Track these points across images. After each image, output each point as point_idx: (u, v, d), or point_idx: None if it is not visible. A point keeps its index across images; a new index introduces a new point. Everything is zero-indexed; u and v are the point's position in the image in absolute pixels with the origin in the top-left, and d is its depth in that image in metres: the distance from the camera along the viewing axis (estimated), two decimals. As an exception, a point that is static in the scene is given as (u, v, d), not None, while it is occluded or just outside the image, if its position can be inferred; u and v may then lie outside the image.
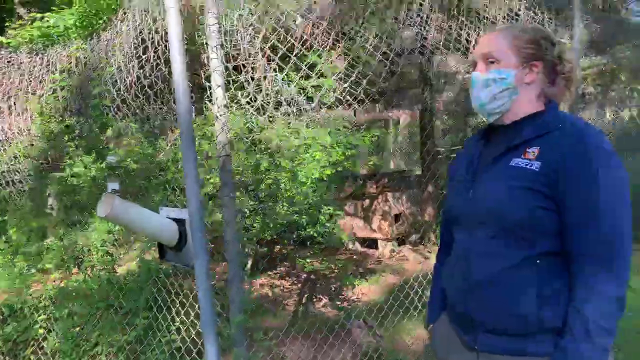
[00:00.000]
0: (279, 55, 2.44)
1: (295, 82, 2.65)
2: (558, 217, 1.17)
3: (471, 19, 3.32)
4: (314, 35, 2.54)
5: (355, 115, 8.43)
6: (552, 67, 1.30)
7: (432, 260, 5.16)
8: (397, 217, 6.42)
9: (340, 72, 3.24)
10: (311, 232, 3.33)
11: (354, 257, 6.17)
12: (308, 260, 4.26)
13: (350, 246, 6.60)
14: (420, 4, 3.05)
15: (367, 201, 6.37)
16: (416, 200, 6.52)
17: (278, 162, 3.31)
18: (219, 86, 2.32)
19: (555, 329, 1.17)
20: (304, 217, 3.21)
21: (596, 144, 1.17)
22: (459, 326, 1.34)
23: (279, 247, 4.60)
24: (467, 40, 3.34)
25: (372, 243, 6.49)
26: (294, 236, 3.44)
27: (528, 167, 1.19)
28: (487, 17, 3.34)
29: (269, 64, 2.38)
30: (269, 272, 5.33)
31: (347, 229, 6.47)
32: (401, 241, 6.47)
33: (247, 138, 3.09)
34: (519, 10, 3.46)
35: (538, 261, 1.18)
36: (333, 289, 4.80)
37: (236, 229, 2.33)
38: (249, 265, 4.96)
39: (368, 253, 6.33)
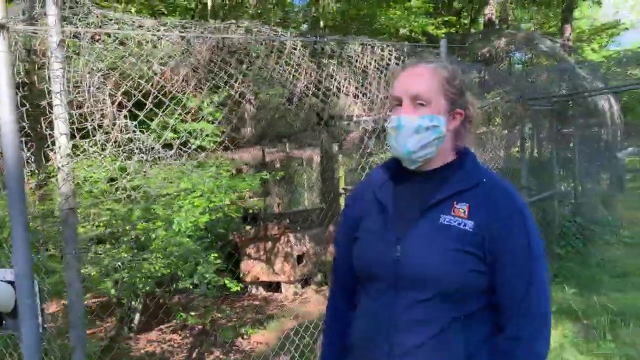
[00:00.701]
0: (132, 102, 2.32)
1: (159, 128, 2.54)
2: (488, 278, 1.15)
3: (343, 68, 3.44)
4: (174, 82, 2.47)
5: (263, 155, 8.44)
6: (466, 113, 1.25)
7: None
8: (300, 258, 6.37)
9: (218, 116, 3.18)
10: (187, 285, 3.14)
11: (256, 303, 5.99)
12: (192, 313, 4.01)
13: (254, 291, 6.41)
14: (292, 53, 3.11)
15: (269, 243, 6.26)
16: (319, 240, 6.53)
17: (152, 210, 3.14)
18: (62, 134, 2.16)
19: None
20: (179, 268, 3.02)
21: (521, 202, 1.19)
22: None
23: (168, 299, 4.31)
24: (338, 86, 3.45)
25: (277, 286, 6.35)
26: (172, 288, 3.22)
27: (461, 226, 1.14)
28: (357, 67, 3.49)
29: (120, 111, 2.26)
30: (162, 327, 4.98)
31: (251, 272, 6.31)
32: (305, 282, 6.40)
33: (111, 186, 2.89)
34: (389, 60, 3.67)
35: (465, 319, 1.16)
36: (226, 341, 4.56)
37: (78, 290, 2.11)
38: (136, 321, 4.60)
39: (271, 297, 6.18)
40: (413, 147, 1.18)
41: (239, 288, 3.89)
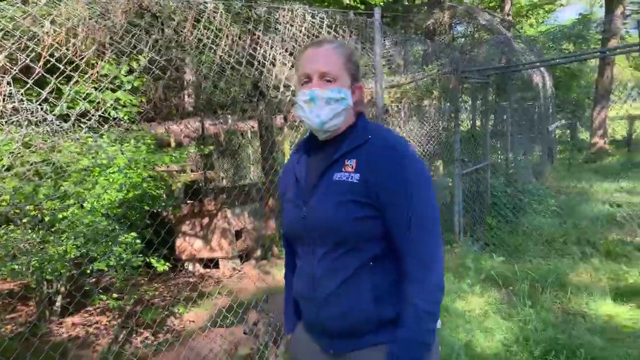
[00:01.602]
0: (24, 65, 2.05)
1: (68, 98, 2.28)
2: (381, 222, 1.27)
3: (271, 34, 3.25)
4: (69, 45, 2.20)
5: (202, 127, 8.10)
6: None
7: (275, 275, 4.97)
8: (239, 233, 6.23)
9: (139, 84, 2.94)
10: (102, 266, 2.93)
11: (192, 280, 5.82)
12: (115, 295, 3.81)
13: (190, 268, 6.23)
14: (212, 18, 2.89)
15: (206, 219, 6.06)
16: (258, 215, 6.41)
17: (61, 188, 2.87)
18: None
19: (393, 320, 1.30)
20: (89, 249, 2.81)
21: (402, 152, 1.30)
22: (314, 334, 1.43)
23: (88, 281, 4.06)
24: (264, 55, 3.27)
25: (214, 263, 6.20)
26: (91, 269, 3.00)
27: (349, 180, 1.28)
28: (287, 35, 3.31)
29: (2, 76, 1.99)
30: (89, 309, 4.73)
31: (187, 250, 6.11)
32: (245, 258, 6.29)
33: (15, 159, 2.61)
34: (321, 28, 3.51)
35: (371, 264, 1.30)
36: (157, 320, 4.39)
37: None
38: (58, 303, 4.33)
39: (208, 274, 6.03)
40: (325, 117, 1.32)
41: (166, 267, 3.69)
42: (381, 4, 6.89)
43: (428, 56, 7.40)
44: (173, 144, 7.57)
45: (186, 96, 5.59)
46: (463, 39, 15.18)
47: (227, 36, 2.92)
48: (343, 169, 1.30)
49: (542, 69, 10.11)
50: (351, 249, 1.28)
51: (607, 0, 13.55)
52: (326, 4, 6.61)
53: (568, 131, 20.39)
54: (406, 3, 13.35)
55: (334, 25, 3.61)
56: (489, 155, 6.32)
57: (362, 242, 1.28)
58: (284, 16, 3.29)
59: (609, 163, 12.19)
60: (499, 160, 7.45)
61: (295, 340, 1.56)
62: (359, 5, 6.49)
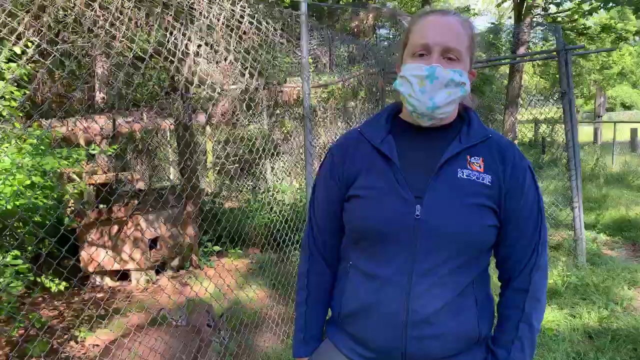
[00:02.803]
0: None
1: None
2: (497, 232, 1.16)
3: (182, 21, 2.87)
4: None
5: (114, 125, 7.37)
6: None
7: (193, 287, 4.42)
8: (154, 242, 5.70)
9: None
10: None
11: (99, 295, 5.21)
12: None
13: (98, 282, 5.59)
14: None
15: (115, 227, 5.46)
16: (176, 221, 5.91)
17: None
18: None
19: (488, 337, 1.20)
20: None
21: (525, 158, 1.18)
22: None
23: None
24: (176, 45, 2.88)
25: (126, 275, 5.61)
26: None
27: (479, 180, 1.12)
28: (203, 22, 2.94)
29: None
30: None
31: (94, 261, 5.47)
32: (161, 268, 5.77)
33: None
34: (242, 18, 3.18)
35: (475, 279, 1.15)
36: (54, 345, 3.81)
37: None
38: None
39: (119, 288, 5.44)
40: (440, 102, 1.10)
41: (61, 287, 3.18)
42: None
43: (354, 57, 7.30)
44: (83, 144, 6.84)
45: (97, 90, 4.98)
46: (385, 42, 15.47)
47: (130, 19, 2.51)
48: (468, 166, 1.12)
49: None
50: (467, 262, 1.12)
51: (516, 11, 14.45)
52: None
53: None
54: (329, 2, 13.31)
55: (255, 16, 3.30)
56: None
57: (482, 254, 1.15)
58: (199, 2, 2.92)
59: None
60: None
61: None
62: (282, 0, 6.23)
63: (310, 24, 4.02)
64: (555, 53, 4.14)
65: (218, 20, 3.04)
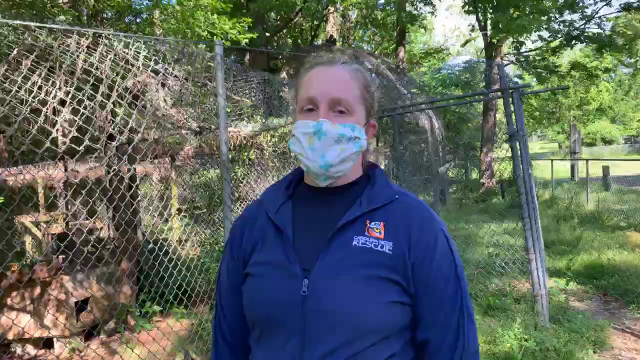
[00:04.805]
0: None
1: None
2: (410, 311, 0.98)
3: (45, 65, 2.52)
4: None
5: (67, 172, 6.93)
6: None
7: (122, 355, 3.86)
8: (84, 304, 5.16)
9: None
10: None
11: (15, 368, 4.63)
12: None
13: (19, 351, 5.01)
14: None
15: (38, 289, 4.93)
16: (110, 279, 5.39)
17: None
18: None
19: None
20: None
21: (441, 222, 1.05)
22: None
23: None
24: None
25: (50, 343, 5.04)
26: None
27: (378, 248, 0.96)
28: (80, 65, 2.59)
29: None
30: None
31: (14, 327, 4.90)
32: (91, 334, 5.20)
33: None
34: (136, 59, 2.84)
35: None
36: None
37: None
38: None
39: (41, 358, 4.85)
40: (332, 159, 1.00)
41: None
42: (245, 42, 6.41)
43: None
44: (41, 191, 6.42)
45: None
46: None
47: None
48: (366, 233, 0.99)
49: (430, 113, 10.31)
50: (367, 348, 0.93)
51: (487, 51, 14.59)
52: (179, 36, 5.96)
53: (463, 171, 21.48)
54: (280, 44, 13.30)
55: (156, 58, 2.96)
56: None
57: (385, 338, 0.95)
58: (78, 43, 2.57)
59: (497, 202, 12.67)
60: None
61: None
62: (224, 42, 5.97)
63: (239, 67, 3.70)
64: (500, 92, 3.87)
65: (102, 62, 2.70)
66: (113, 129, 4.46)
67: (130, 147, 4.33)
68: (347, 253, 0.97)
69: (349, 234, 0.99)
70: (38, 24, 2.26)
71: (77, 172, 6.30)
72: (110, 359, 4.62)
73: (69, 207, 7.23)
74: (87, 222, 6.57)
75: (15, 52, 1.97)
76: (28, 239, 6.43)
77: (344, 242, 0.98)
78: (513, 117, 3.79)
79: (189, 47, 3.42)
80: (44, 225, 7.24)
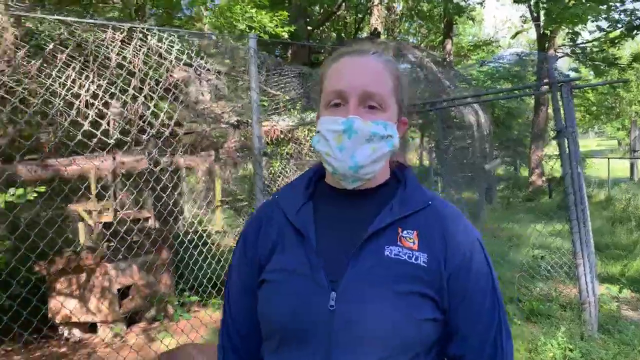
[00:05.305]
0: None
1: None
2: (443, 326, 0.91)
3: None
4: None
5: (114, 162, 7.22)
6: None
7: (161, 342, 3.99)
8: (126, 291, 5.34)
9: None
10: None
11: (62, 350, 4.86)
12: None
13: (66, 334, 5.26)
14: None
15: (84, 275, 5.15)
16: (151, 268, 5.55)
17: None
18: None
19: None
20: None
21: (477, 231, 0.97)
22: None
23: None
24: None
25: (94, 327, 5.26)
26: None
27: (411, 260, 0.88)
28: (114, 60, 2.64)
29: None
30: None
31: (61, 311, 5.15)
32: (133, 320, 5.39)
33: None
34: (169, 53, 2.86)
35: None
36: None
37: None
38: None
39: (85, 342, 5.08)
40: (364, 160, 0.91)
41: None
42: (284, 35, 6.37)
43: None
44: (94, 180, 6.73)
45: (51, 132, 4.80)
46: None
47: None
48: (399, 242, 0.90)
49: (476, 107, 9.96)
50: None
51: (539, 43, 13.90)
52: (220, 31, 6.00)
53: (512, 168, 20.68)
54: (323, 37, 13.18)
55: (186, 51, 2.97)
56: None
57: (415, 355, 0.88)
58: (112, 38, 2.61)
59: (545, 202, 12.10)
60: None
61: None
62: (261, 35, 5.95)
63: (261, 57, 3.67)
64: (548, 87, 3.63)
65: (135, 56, 2.73)
66: (155, 122, 4.57)
67: (174, 139, 4.42)
68: (379, 264, 0.89)
69: (380, 242, 0.91)
70: (75, 19, 2.31)
71: (123, 163, 6.52)
72: (150, 345, 4.77)
73: (117, 197, 7.52)
74: (133, 212, 6.81)
75: (51, 46, 2.02)
76: (81, 227, 6.72)
77: (375, 252, 0.90)
78: (562, 112, 3.56)
79: (226, 42, 3.41)
80: (95, 214, 7.56)
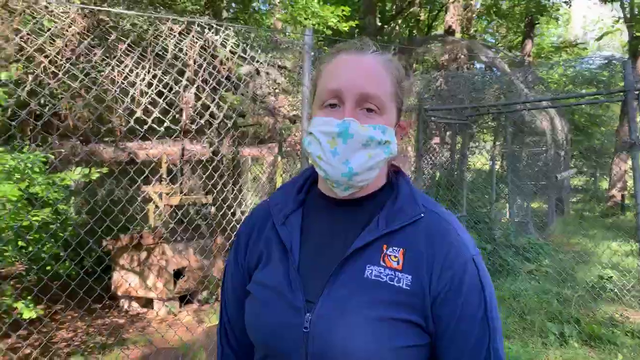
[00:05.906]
0: None
1: None
2: (429, 351, 0.85)
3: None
4: None
5: (182, 150, 7.63)
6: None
7: (207, 323, 4.24)
8: (180, 272, 5.62)
9: None
10: None
11: (120, 321, 5.21)
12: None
13: (126, 306, 5.64)
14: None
15: (144, 253, 5.49)
16: (205, 252, 5.80)
17: None
18: None
19: None
20: None
21: (473, 246, 0.88)
22: None
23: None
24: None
25: (151, 303, 5.59)
26: None
27: (394, 282, 0.82)
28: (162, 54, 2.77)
29: None
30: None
31: (122, 285, 5.52)
32: (186, 300, 5.66)
33: None
34: (224, 46, 2.95)
35: None
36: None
37: None
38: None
39: (142, 315, 5.41)
40: (359, 167, 0.86)
41: (33, 314, 3.15)
42: (346, 29, 6.29)
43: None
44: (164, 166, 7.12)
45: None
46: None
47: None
48: (382, 261, 0.84)
49: (552, 113, 9.36)
50: None
51: (630, 46, 12.77)
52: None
53: (592, 179, 19.26)
54: (394, 34, 12.88)
55: (240, 45, 3.05)
56: (464, 206, 5.57)
57: None
58: (170, 29, 2.74)
59: (626, 219, 11.14)
60: (485, 211, 6.66)
61: None
62: (324, 30, 5.93)
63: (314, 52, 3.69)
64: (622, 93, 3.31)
65: (191, 48, 2.84)
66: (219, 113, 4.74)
67: (237, 131, 4.57)
68: (357, 287, 0.83)
69: (361, 262, 0.85)
70: (137, 12, 2.45)
71: (188, 150, 6.83)
72: (200, 325, 4.99)
73: (184, 181, 7.94)
74: (196, 196, 7.14)
75: (113, 36, 2.15)
76: (150, 208, 7.11)
77: (354, 273, 0.85)
78: (639, 122, 3.24)
79: (283, 37, 3.44)
80: (165, 196, 8.01)
